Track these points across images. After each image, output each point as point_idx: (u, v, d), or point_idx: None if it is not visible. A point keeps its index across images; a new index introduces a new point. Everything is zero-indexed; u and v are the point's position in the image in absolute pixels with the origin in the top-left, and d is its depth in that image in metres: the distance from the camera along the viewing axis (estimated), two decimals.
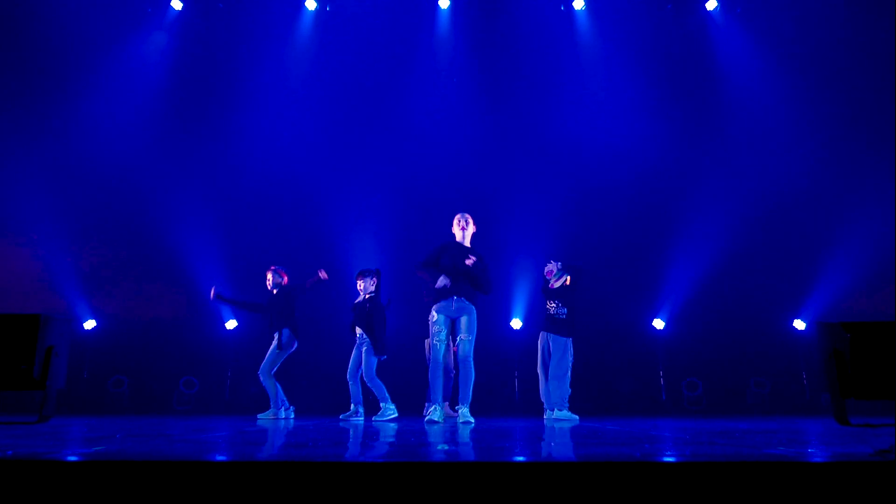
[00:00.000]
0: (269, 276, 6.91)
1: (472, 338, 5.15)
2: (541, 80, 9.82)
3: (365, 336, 6.32)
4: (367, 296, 6.49)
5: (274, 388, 6.53)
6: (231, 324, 9.15)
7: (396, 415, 6.18)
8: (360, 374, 6.34)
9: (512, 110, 9.82)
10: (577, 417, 6.07)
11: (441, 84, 9.91)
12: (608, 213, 9.38)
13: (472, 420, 4.97)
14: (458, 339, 5.19)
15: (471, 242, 5.43)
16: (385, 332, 6.42)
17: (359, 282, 6.60)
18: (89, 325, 8.98)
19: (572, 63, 9.91)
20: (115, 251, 9.30)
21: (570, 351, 6.32)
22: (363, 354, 6.29)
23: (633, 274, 9.21)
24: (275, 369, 6.59)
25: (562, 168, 9.48)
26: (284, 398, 6.59)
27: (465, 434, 3.42)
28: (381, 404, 6.19)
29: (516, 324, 9.04)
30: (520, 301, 9.06)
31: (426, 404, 6.46)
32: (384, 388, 6.22)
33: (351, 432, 3.66)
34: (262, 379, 6.58)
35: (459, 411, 5.06)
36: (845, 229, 8.83)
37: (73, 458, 1.84)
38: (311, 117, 9.76)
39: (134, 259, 9.32)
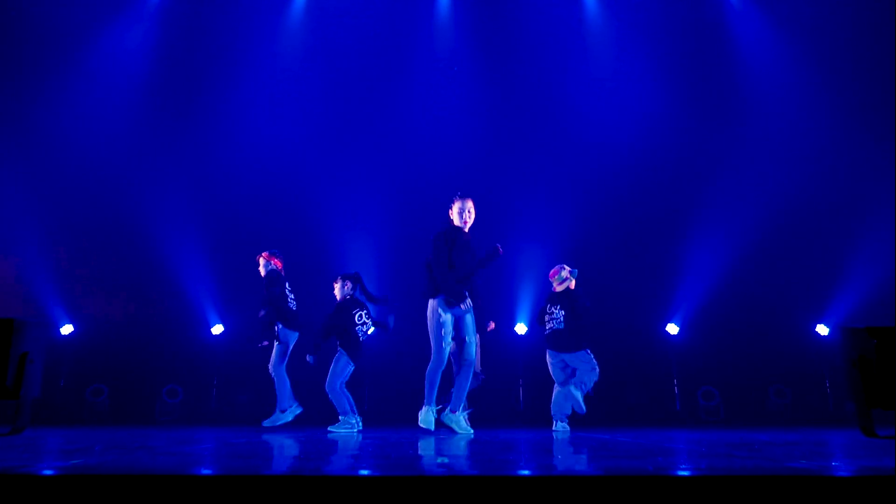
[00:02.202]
0: (261, 262, 6.80)
1: (475, 339, 5.15)
2: (547, 68, 9.81)
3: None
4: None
5: (283, 386, 6.54)
6: (217, 329, 9.15)
7: (360, 428, 6.16)
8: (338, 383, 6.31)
9: (516, 101, 9.82)
10: (567, 429, 6.05)
11: (441, 72, 9.91)
12: (619, 211, 9.38)
13: (466, 429, 5.00)
14: (463, 340, 5.12)
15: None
16: (339, 336, 6.36)
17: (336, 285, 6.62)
18: (66, 329, 8.98)
19: (581, 49, 9.91)
20: (94, 251, 9.29)
21: (588, 360, 6.24)
22: (334, 361, 6.28)
23: (646, 276, 9.20)
24: (283, 364, 6.58)
25: (569, 162, 9.48)
26: (292, 397, 6.58)
27: (465, 446, 3.43)
28: (341, 417, 6.18)
29: (521, 329, 9.04)
30: (524, 305, 9.05)
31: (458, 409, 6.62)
32: (346, 400, 6.22)
33: (344, 445, 3.66)
34: (273, 375, 6.58)
35: (447, 414, 5.05)
36: (871, 228, 8.81)
37: (48, 473, 1.84)
38: (304, 107, 9.75)
39: (114, 259, 9.31)
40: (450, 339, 4.99)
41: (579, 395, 6.14)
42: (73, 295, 9.15)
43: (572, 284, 6.52)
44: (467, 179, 9.25)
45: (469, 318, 5.09)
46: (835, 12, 9.28)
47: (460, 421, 5.05)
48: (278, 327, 6.55)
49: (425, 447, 3.31)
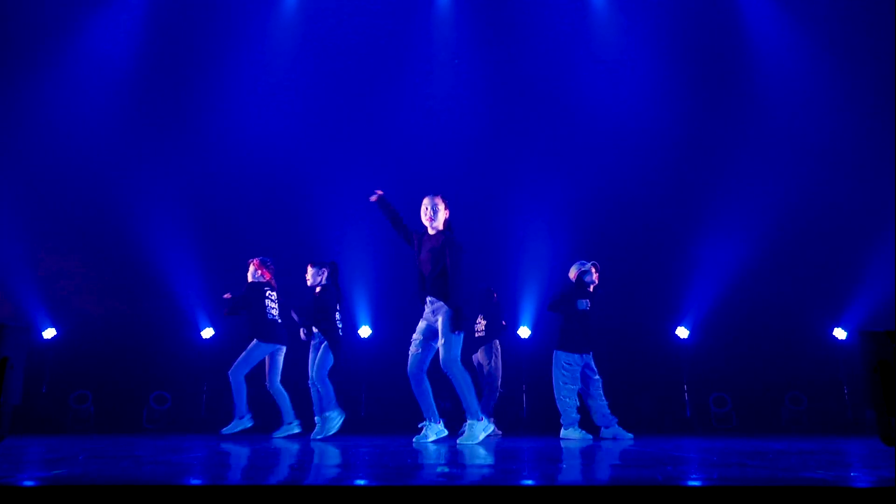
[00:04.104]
0: (251, 268, 6.87)
1: (448, 341, 4.86)
2: (552, 60, 9.80)
3: (319, 333, 6.32)
4: (318, 288, 6.48)
5: (283, 398, 6.60)
6: (207, 332, 9.14)
7: (342, 419, 6.20)
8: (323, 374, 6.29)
9: (519, 95, 9.81)
10: (590, 437, 6.07)
11: (441, 64, 9.91)
12: (626, 209, 9.36)
13: (477, 438, 4.93)
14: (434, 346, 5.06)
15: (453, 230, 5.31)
16: (336, 330, 6.37)
17: (309, 270, 6.55)
18: (49, 333, 8.97)
19: (586, 39, 9.89)
20: (78, 251, 9.28)
21: (556, 364, 6.28)
22: (320, 353, 6.25)
23: (654, 277, 9.19)
24: (243, 372, 6.62)
25: (576, 160, 9.47)
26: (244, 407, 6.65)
27: (466, 455, 3.43)
28: (326, 413, 6.17)
29: (524, 332, 9.03)
30: (528, 307, 9.04)
31: (489, 419, 6.87)
32: (333, 393, 6.23)
33: (341, 453, 3.66)
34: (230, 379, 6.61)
35: (469, 426, 5.00)
36: (891, 228, 8.80)
37: (29, 484, 1.84)
38: (298, 101, 9.75)
39: (99, 260, 9.30)
40: (415, 339, 5.03)
41: (573, 433, 6.09)
42: (56, 297, 9.14)
43: (592, 278, 6.47)
44: (468, 176, 9.27)
45: (439, 323, 4.94)
46: (853, 3, 9.26)
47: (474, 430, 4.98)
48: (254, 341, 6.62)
49: (424, 456, 3.31)
